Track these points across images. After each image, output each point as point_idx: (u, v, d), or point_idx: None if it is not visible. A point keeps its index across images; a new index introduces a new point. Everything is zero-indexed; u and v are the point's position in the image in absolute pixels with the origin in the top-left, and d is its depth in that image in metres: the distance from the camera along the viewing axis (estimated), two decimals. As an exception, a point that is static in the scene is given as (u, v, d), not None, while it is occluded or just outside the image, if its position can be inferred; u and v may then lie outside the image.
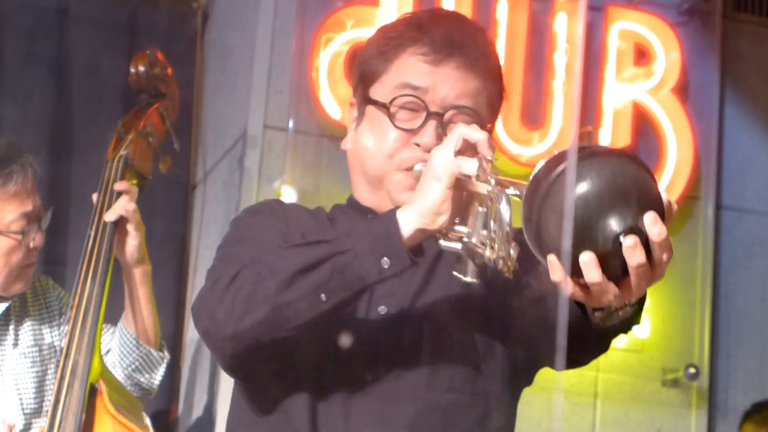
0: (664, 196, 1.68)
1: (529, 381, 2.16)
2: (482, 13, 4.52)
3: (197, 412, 4.41)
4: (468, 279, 1.86)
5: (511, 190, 1.79)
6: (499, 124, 4.44)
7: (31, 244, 3.39)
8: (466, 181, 1.85)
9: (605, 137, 4.57)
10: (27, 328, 3.43)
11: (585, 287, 1.69)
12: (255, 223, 2.14)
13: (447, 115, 2.07)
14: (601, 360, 4.48)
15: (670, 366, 4.56)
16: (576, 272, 1.67)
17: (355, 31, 4.41)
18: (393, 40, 2.11)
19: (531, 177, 1.69)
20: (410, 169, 2.05)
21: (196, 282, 4.67)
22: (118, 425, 3.14)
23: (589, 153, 1.66)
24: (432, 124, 2.06)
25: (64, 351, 3.20)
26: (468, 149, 1.88)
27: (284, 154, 4.33)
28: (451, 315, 2.03)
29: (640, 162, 1.68)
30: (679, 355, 4.58)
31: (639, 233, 1.63)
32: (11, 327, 3.41)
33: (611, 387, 4.52)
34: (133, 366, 3.47)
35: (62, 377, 3.15)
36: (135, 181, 3.51)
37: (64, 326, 3.45)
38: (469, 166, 1.83)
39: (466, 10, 4.42)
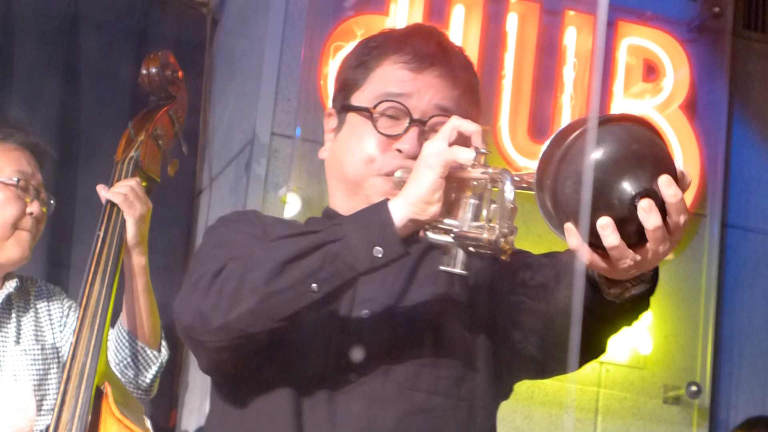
0: (678, 165, 1.68)
1: (507, 393, 2.15)
2: (492, 26, 4.53)
3: (197, 418, 4.40)
4: (457, 270, 1.84)
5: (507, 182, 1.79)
6: (506, 137, 4.50)
7: (28, 209, 3.39)
8: (460, 171, 1.84)
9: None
10: (29, 325, 3.42)
11: (603, 255, 1.68)
12: (231, 230, 2.12)
13: (428, 124, 2.07)
14: (603, 375, 4.49)
15: (672, 383, 4.55)
16: (594, 241, 1.66)
17: (364, 40, 4.41)
18: (374, 50, 2.13)
19: (545, 144, 1.69)
20: (390, 174, 2.05)
21: (199, 288, 4.65)
22: (123, 428, 3.12)
23: (604, 119, 1.65)
24: (414, 131, 2.06)
25: (71, 352, 3.18)
26: (460, 142, 1.88)
27: (290, 162, 4.33)
28: (435, 318, 2.02)
29: (654, 128, 1.68)
30: (681, 372, 4.57)
31: (654, 196, 1.63)
32: (13, 322, 3.39)
33: (612, 403, 4.51)
34: (124, 362, 3.43)
35: (68, 378, 3.13)
36: (144, 184, 3.50)
37: (67, 330, 3.44)
38: (465, 154, 1.83)
39: (476, 24, 4.43)
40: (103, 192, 3.41)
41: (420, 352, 2.01)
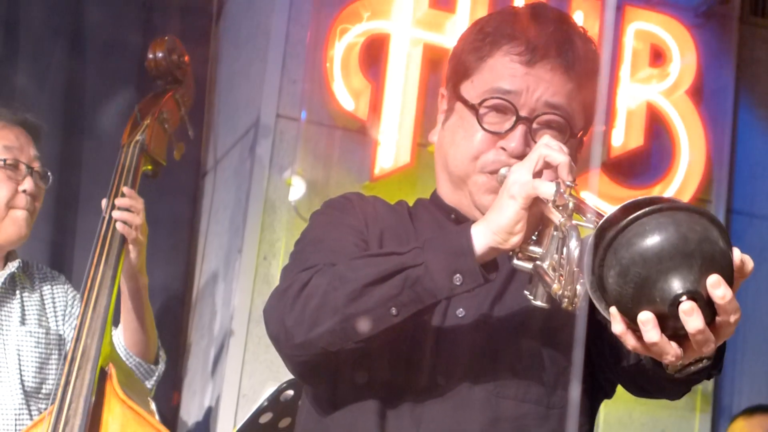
0: (737, 255, 1.62)
1: (609, 394, 2.12)
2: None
3: (199, 398, 4.41)
4: (538, 303, 1.83)
5: (589, 216, 1.72)
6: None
7: (20, 187, 3.39)
8: (542, 203, 1.80)
9: (618, 137, 4.56)
10: (34, 308, 3.43)
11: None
12: (333, 220, 2.10)
13: (537, 121, 2.02)
14: (607, 360, 4.49)
15: (676, 368, 4.54)
16: (637, 330, 1.61)
17: (371, 23, 4.40)
18: (488, 37, 2.06)
19: (597, 226, 1.62)
20: (494, 172, 2.01)
21: (204, 269, 4.67)
22: (126, 409, 3.13)
23: (656, 207, 1.58)
24: (520, 129, 2.02)
25: (74, 333, 3.19)
26: (549, 169, 1.84)
27: (296, 144, 4.32)
28: (530, 323, 1.98)
29: (712, 218, 1.60)
30: (685, 357, 4.56)
31: (699, 297, 1.56)
32: (17, 302, 3.41)
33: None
34: None
35: (72, 359, 3.14)
36: (150, 167, 3.51)
37: (72, 321, 3.45)
38: (547, 189, 1.79)
39: (483, 10, 4.40)
40: (118, 226, 3.37)
41: (511, 357, 1.97)
